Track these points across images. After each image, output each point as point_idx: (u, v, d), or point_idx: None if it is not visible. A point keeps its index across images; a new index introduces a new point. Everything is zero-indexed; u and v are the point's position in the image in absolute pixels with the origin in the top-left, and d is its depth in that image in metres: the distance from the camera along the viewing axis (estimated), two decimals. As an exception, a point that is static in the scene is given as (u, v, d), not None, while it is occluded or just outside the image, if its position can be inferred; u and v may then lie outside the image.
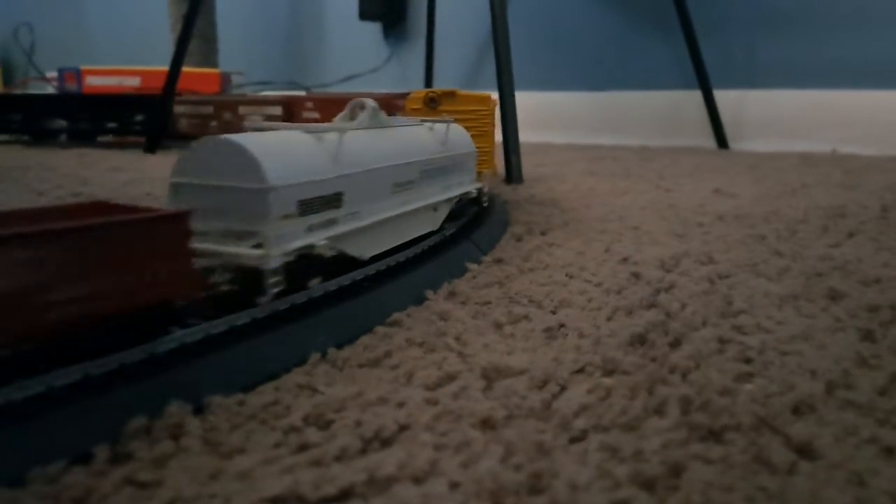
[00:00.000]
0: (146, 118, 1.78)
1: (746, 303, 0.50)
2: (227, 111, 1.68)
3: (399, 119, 0.64)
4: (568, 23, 2.03)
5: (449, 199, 0.65)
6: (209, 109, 1.71)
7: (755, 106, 1.75)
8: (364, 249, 0.51)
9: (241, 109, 1.65)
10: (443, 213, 0.64)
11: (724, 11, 1.77)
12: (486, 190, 0.75)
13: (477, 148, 0.74)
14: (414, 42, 2.30)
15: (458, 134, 0.69)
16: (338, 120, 0.57)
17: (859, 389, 0.36)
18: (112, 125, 1.82)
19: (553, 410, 0.34)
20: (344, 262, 0.49)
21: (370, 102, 0.56)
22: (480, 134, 0.80)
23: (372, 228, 0.52)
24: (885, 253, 0.65)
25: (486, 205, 0.76)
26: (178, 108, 1.74)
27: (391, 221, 0.54)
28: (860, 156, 1.50)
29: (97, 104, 1.81)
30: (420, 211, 0.59)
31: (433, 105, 0.80)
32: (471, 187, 0.71)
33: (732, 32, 1.77)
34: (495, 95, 1.07)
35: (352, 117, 0.57)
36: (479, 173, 0.73)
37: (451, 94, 0.81)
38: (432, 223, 0.62)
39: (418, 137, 0.61)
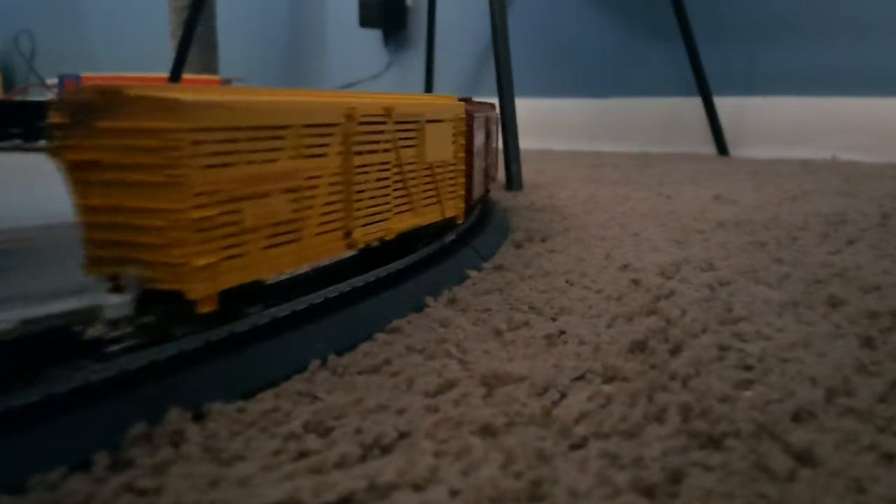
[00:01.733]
0: None
1: (746, 310, 0.50)
2: None
3: None
4: (568, 30, 2.04)
5: None
6: None
7: (755, 113, 1.75)
8: None
9: None
10: None
11: (724, 18, 1.77)
12: (128, 312, 0.33)
13: (141, 211, 0.35)
14: (414, 49, 2.31)
15: None
16: None
17: (859, 396, 0.36)
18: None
19: (553, 417, 0.34)
20: None
21: None
22: (169, 182, 0.34)
23: None
24: (885, 260, 0.65)
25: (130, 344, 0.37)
26: None
27: None
28: (860, 163, 1.50)
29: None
30: None
31: (82, 117, 0.35)
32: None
33: (732, 39, 1.78)
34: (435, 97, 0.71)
35: None
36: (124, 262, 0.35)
37: (116, 95, 0.35)
38: None
39: None
